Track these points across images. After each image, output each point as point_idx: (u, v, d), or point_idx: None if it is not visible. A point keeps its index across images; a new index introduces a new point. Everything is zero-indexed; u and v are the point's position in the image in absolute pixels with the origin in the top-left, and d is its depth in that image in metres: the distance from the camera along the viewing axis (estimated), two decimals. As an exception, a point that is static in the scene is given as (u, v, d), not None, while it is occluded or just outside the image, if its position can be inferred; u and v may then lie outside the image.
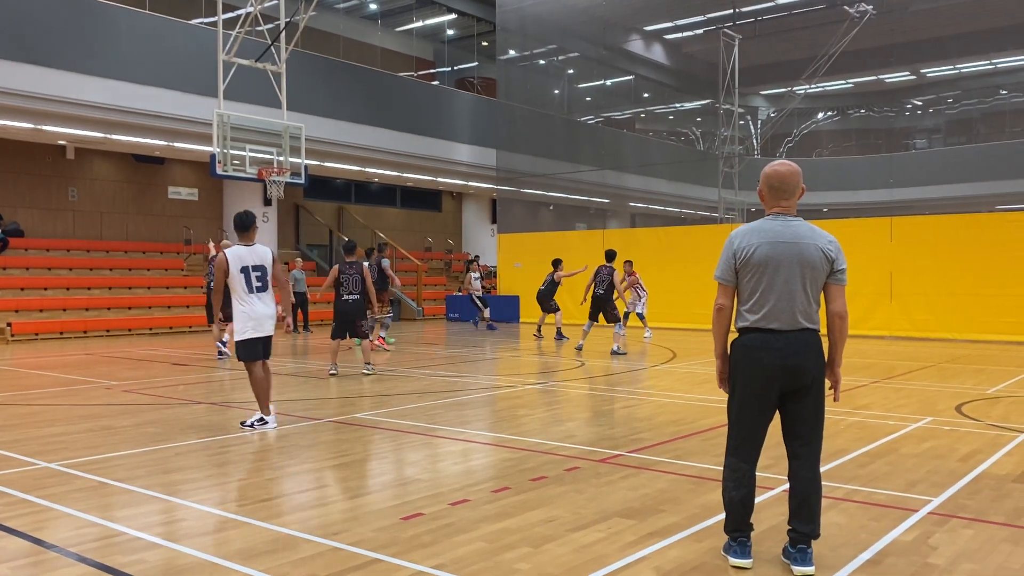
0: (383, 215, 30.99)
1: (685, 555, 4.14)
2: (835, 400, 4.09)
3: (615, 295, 14.44)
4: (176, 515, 4.87)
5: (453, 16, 30.69)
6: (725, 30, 27.05)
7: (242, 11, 17.02)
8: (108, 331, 19.22)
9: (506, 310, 23.40)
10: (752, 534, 4.06)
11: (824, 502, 5.03)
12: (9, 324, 17.77)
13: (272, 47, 16.96)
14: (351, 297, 11.36)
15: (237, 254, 7.46)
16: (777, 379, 3.89)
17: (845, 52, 25.73)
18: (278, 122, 16.94)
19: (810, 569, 3.86)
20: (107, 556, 4.10)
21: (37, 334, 18.14)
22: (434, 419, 8.11)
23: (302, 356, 14.75)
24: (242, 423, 7.61)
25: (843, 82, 34.35)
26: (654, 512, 4.83)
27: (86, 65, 18.07)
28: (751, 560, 3.97)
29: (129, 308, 20.34)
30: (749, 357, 3.93)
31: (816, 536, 3.96)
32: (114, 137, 20.20)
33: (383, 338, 15.39)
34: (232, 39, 16.38)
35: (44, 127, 18.81)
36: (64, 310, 19.31)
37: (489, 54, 30.77)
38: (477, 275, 21.68)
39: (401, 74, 27.81)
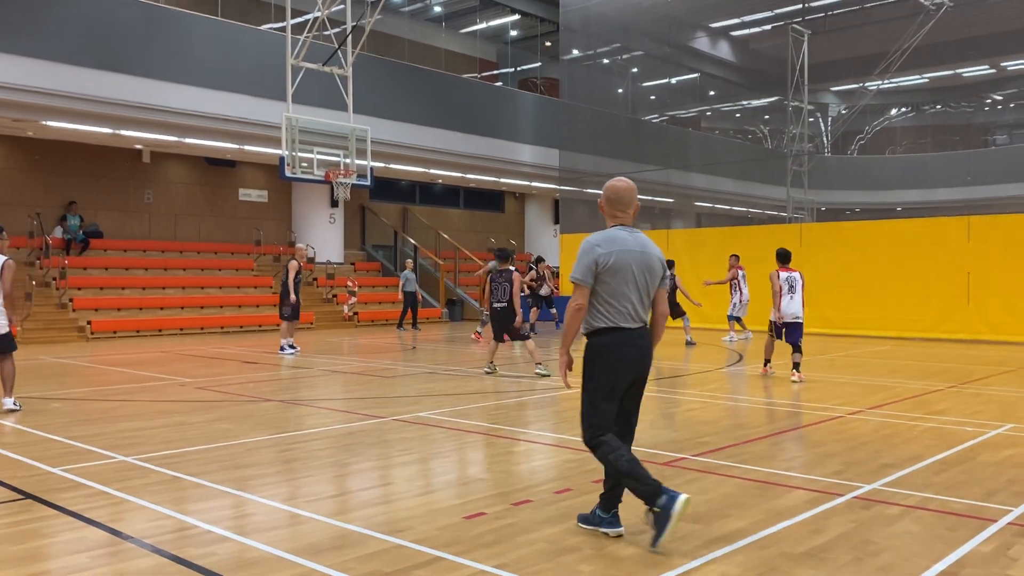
0: (446, 216, 31.23)
1: (751, 560, 4.06)
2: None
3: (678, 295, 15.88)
4: (246, 509, 4.99)
5: (516, 17, 30.74)
6: (794, 25, 26.49)
7: (310, 16, 17.36)
8: (181, 329, 19.82)
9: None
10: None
11: (896, 510, 4.92)
12: (89, 322, 18.47)
13: (339, 51, 17.26)
14: (499, 305, 11.74)
15: None
16: (635, 370, 4.41)
17: (920, 46, 24.94)
18: (345, 125, 17.22)
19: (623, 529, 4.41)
20: (180, 548, 4.23)
21: (115, 332, 18.81)
22: (497, 419, 8.14)
23: (368, 355, 14.97)
24: None
25: (918, 77, 33.26)
26: (720, 516, 4.76)
27: (162, 71, 18.69)
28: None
29: (201, 307, 20.92)
30: (617, 353, 4.37)
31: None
32: (188, 141, 20.82)
33: (479, 333, 17.82)
34: (300, 44, 16.71)
35: (122, 132, 19.47)
36: (140, 309, 19.96)
37: (552, 54, 30.73)
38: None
39: (464, 76, 27.98)
